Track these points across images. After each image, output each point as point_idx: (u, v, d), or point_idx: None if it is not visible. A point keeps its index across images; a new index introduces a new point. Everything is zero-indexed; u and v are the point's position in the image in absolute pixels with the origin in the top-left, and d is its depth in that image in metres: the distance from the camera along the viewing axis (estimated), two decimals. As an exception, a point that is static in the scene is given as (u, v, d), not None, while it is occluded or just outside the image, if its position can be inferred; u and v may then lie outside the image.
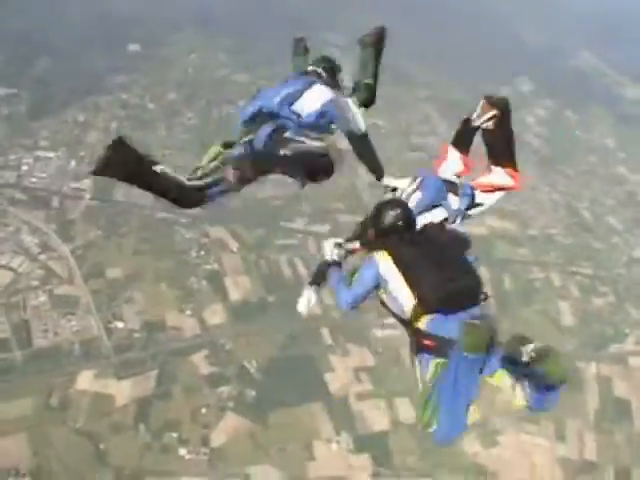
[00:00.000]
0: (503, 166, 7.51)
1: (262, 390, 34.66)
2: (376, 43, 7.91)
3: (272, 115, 6.66)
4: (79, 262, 38.96)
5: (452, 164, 7.71)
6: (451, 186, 7.36)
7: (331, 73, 7.60)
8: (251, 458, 32.12)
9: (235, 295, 38.90)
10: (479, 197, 7.48)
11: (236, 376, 35.16)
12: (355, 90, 7.74)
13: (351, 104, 7.16)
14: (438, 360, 5.65)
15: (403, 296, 5.92)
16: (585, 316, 42.98)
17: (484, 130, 7.53)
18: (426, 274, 5.79)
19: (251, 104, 6.86)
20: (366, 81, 7.76)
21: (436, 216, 7.01)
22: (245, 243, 41.64)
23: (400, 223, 6.24)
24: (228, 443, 32.49)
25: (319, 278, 6.87)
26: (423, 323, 5.77)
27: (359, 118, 7.14)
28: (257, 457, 32.21)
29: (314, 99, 6.85)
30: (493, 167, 7.55)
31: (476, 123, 7.47)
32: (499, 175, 7.52)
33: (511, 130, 7.45)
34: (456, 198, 7.29)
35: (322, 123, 6.81)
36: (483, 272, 42.69)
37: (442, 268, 5.80)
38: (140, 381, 34.14)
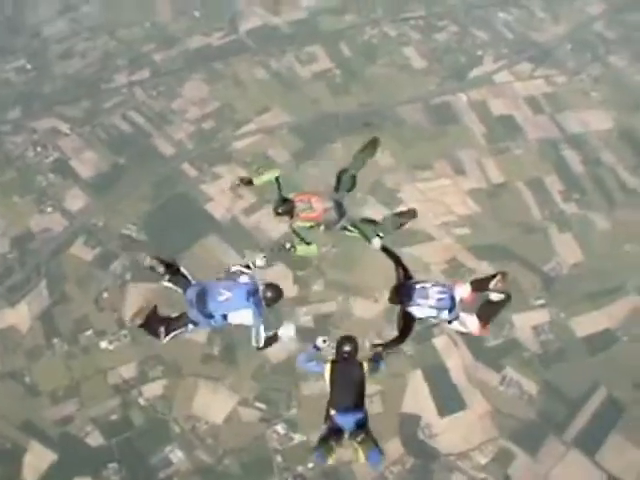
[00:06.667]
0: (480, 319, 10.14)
1: (151, 248, 32.55)
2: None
3: None
4: None
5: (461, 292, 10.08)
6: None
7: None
8: (172, 316, 30.81)
9: (87, 173, 36.51)
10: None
11: (120, 247, 33.55)
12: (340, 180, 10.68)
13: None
14: None
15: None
16: (434, 53, 41.50)
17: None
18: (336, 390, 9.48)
19: None
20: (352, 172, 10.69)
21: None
22: (75, 120, 38.83)
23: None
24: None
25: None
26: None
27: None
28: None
29: None
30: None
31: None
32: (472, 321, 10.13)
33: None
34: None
35: None
36: (317, 49, 41.58)
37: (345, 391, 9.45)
38: (34, 297, 32.32)
